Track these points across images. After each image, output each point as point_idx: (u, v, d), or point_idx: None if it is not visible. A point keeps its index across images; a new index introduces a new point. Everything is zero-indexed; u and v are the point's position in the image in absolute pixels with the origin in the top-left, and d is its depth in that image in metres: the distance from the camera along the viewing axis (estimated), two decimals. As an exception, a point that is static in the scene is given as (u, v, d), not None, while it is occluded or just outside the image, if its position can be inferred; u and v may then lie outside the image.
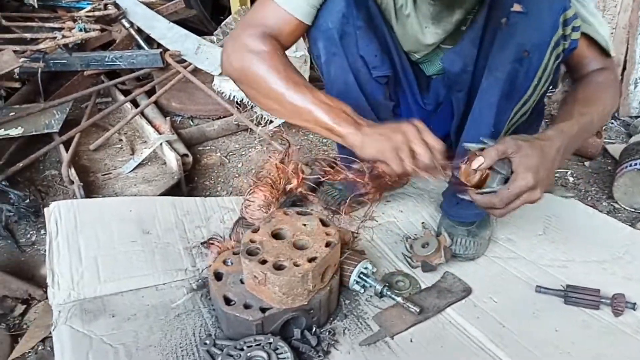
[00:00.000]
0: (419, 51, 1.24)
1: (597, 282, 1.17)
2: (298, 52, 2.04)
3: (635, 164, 1.55)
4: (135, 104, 2.11)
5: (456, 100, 1.24)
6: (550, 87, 1.23)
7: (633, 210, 1.56)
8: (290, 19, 1.09)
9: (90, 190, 1.61)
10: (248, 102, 2.03)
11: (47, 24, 2.29)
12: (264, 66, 1.03)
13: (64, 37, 2.06)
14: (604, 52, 1.14)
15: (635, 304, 1.11)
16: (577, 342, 1.05)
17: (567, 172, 1.80)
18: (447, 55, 1.20)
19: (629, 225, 1.44)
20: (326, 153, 1.97)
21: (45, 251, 1.27)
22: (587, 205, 1.55)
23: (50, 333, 1.08)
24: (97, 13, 2.30)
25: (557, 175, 1.78)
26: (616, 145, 1.93)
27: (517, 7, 1.01)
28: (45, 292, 1.18)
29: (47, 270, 1.16)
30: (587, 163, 1.87)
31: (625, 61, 2.11)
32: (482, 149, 0.97)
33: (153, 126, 1.94)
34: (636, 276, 1.21)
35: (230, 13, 2.60)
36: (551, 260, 1.28)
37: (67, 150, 1.71)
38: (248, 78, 1.06)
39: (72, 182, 1.56)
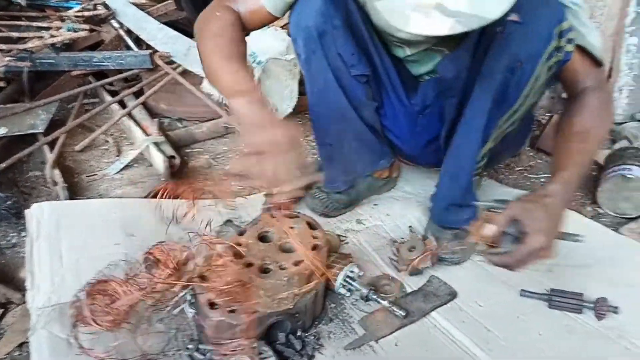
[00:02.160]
0: (411, 46, 1.24)
1: (581, 286, 1.18)
2: (289, 56, 2.04)
3: (620, 170, 1.57)
4: (123, 105, 2.09)
5: (448, 106, 1.25)
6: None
7: (616, 215, 1.58)
8: (259, 8, 1.11)
9: (75, 191, 1.59)
10: (237, 104, 2.03)
11: (34, 23, 2.26)
12: (206, 31, 1.07)
13: (51, 36, 2.04)
14: (596, 63, 1.15)
15: (617, 307, 1.11)
16: (561, 347, 1.05)
17: (552, 177, 1.81)
18: (443, 62, 1.20)
19: (613, 230, 1.46)
20: (315, 157, 1.97)
21: (25, 254, 1.25)
22: (572, 210, 1.56)
23: (27, 338, 1.05)
24: (86, 13, 2.28)
25: (542, 180, 1.79)
26: (601, 151, 1.94)
27: (513, 17, 1.01)
28: (24, 295, 1.15)
29: (26, 272, 1.14)
30: (572, 168, 1.88)
31: (611, 69, 2.13)
32: (490, 209, 1.03)
33: (141, 127, 1.92)
34: (619, 280, 1.22)
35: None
36: (536, 264, 1.29)
37: (51, 151, 1.69)
38: (197, 43, 1.10)
39: (55, 184, 1.54)
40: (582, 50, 1.11)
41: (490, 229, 0.99)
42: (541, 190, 1.03)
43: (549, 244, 0.97)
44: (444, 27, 0.84)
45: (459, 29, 0.84)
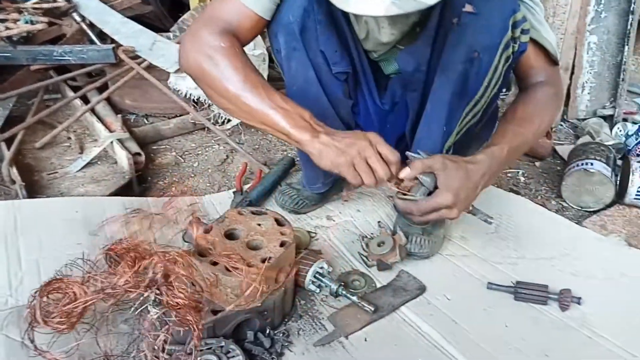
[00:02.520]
0: (377, 50, 1.25)
1: (546, 278, 1.20)
2: (256, 51, 2.01)
3: (582, 164, 1.61)
4: (86, 101, 2.03)
5: (411, 99, 1.26)
6: (504, 90, 1.27)
7: (580, 208, 1.62)
8: (249, 14, 1.07)
9: (34, 190, 1.53)
10: (205, 100, 1.99)
11: (-11, 16, 2.16)
12: (222, 65, 1.01)
13: (7, 29, 1.95)
14: (551, 61, 1.18)
15: (580, 298, 1.14)
16: (526, 338, 1.07)
17: (518, 172, 1.85)
18: (401, 55, 1.21)
19: (576, 223, 1.49)
20: (285, 153, 1.95)
21: (-19, 255, 1.19)
22: (537, 203, 1.60)
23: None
24: (45, 5, 2.19)
25: (509, 175, 1.83)
26: (565, 146, 2.00)
27: (468, 8, 1.03)
28: (-20, 298, 1.10)
29: (-19, 275, 1.09)
30: (537, 163, 1.93)
31: (573, 66, 2.19)
32: (416, 158, 1.04)
33: (104, 124, 1.86)
34: (582, 272, 1.25)
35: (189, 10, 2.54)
36: (502, 257, 1.31)
37: (9, 148, 1.63)
38: (205, 76, 1.04)
39: (13, 182, 1.48)
40: (538, 47, 1.15)
41: (405, 171, 1.01)
42: (467, 157, 1.06)
43: (455, 204, 1.00)
44: (380, 8, 0.85)
45: (394, 10, 0.85)
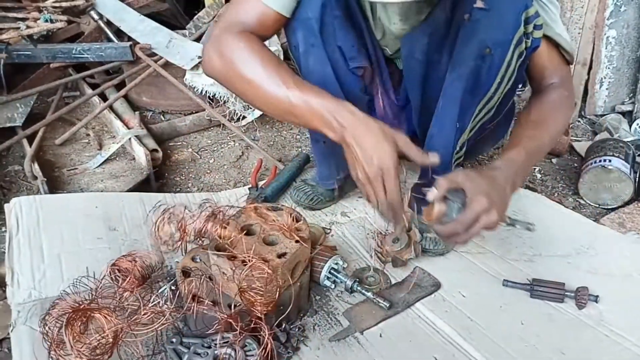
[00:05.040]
0: (390, 45, 1.25)
1: (562, 276, 1.20)
2: (271, 47, 2.02)
3: (600, 161, 1.60)
4: (104, 98, 2.06)
5: (411, 89, 1.25)
6: (520, 86, 1.26)
7: (597, 205, 1.60)
8: (270, 13, 1.07)
9: (55, 186, 1.57)
10: (221, 97, 2.01)
11: (10, 14, 2.20)
12: (246, 68, 1.01)
13: (28, 27, 1.99)
14: (564, 60, 1.17)
15: (597, 296, 1.13)
16: (542, 335, 1.07)
17: (535, 168, 1.83)
18: (404, 38, 1.20)
19: (593, 221, 1.48)
20: (299, 149, 1.96)
21: (5, 249, 1.23)
22: (554, 200, 1.59)
23: (8, 334, 1.04)
24: (64, 4, 2.22)
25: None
26: (582, 143, 1.97)
27: (479, 4, 1.02)
28: (4, 291, 1.14)
29: (6, 268, 1.12)
30: (554, 160, 1.91)
31: (591, 61, 2.16)
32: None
33: (122, 121, 1.89)
34: (599, 270, 1.24)
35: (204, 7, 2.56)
36: (518, 254, 1.31)
37: (30, 144, 1.66)
38: (232, 80, 1.05)
39: (35, 178, 1.51)
40: (551, 45, 1.14)
41: (432, 193, 0.97)
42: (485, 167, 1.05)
43: (492, 206, 0.95)
44: None
45: None
